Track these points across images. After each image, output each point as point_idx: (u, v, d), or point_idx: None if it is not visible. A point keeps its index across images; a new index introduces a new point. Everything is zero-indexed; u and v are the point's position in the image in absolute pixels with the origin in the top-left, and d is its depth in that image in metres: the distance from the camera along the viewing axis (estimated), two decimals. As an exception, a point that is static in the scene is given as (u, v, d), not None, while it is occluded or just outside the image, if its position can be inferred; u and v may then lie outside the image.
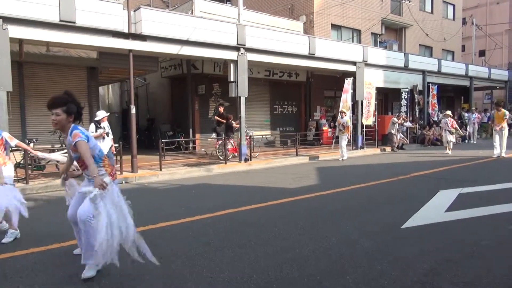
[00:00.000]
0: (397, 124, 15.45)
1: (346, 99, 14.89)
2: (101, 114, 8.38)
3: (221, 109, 13.37)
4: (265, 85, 16.71)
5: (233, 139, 12.37)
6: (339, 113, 13.10)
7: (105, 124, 8.40)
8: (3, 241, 4.43)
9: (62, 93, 3.54)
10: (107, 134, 8.36)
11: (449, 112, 14.66)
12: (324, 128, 17.58)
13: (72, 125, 3.48)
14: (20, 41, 9.02)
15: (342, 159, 12.46)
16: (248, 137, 12.42)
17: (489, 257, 3.84)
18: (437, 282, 3.24)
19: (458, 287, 3.16)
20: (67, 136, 3.50)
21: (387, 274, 3.42)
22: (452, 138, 14.00)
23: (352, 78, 14.88)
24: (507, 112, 12.45)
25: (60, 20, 8.51)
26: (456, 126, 14.61)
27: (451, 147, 13.89)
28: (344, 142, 12.56)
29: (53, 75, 11.40)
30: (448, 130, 13.87)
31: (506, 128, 12.41)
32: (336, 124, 13.31)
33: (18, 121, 10.76)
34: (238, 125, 11.89)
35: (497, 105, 12.88)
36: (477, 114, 19.68)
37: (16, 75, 10.46)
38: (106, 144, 8.29)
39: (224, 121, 13.01)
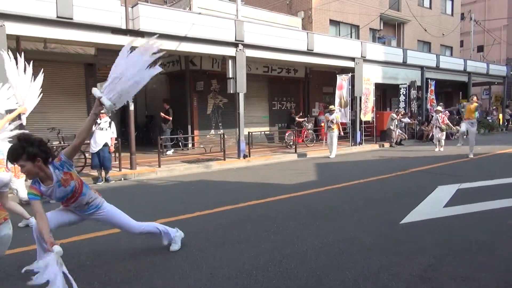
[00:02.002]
0: (396, 120, 15.45)
1: (341, 95, 14.88)
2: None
3: (166, 105, 12.93)
4: (263, 81, 16.70)
5: (296, 131, 13.97)
6: (330, 110, 12.63)
7: (104, 119, 8.41)
8: None
9: (16, 142, 3.12)
10: (102, 128, 8.36)
11: (439, 108, 14.13)
12: (322, 124, 17.53)
13: (50, 165, 3.11)
14: (17, 38, 8.97)
15: (330, 157, 12.09)
16: (307, 130, 14.33)
17: (487, 252, 3.86)
18: (436, 277, 3.25)
19: (457, 282, 3.17)
20: (51, 181, 3.11)
21: (386, 269, 3.44)
22: (443, 136, 13.43)
23: (350, 74, 14.86)
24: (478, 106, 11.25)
25: (58, 17, 8.46)
26: (448, 122, 13.97)
27: (443, 144, 13.38)
28: (335, 139, 12.21)
29: (51, 72, 11.30)
30: (439, 127, 13.38)
31: (475, 124, 11.19)
32: (325, 120, 12.68)
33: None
34: (302, 119, 12.78)
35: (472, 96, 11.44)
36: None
37: (14, 72, 10.41)
38: (102, 138, 8.34)
39: (170, 118, 12.71)
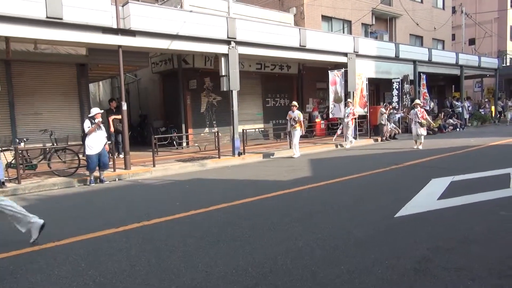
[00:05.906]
0: (385, 114, 15.47)
1: (335, 90, 14.89)
2: (94, 111, 8.58)
3: (113, 104, 11.76)
4: (256, 78, 16.68)
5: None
6: (291, 107, 11.91)
7: (97, 120, 8.38)
8: None
9: None
10: (100, 127, 8.35)
11: (418, 101, 13.54)
12: (316, 120, 17.65)
13: None
14: (7, 39, 8.87)
15: (293, 157, 11.35)
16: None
17: (481, 242, 3.89)
18: (429, 269, 3.28)
19: (451, 273, 3.20)
20: None
21: (381, 262, 3.46)
22: (423, 131, 12.37)
23: (343, 69, 14.89)
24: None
25: (47, 17, 8.37)
26: (427, 117, 12.93)
27: (422, 141, 12.37)
28: (296, 138, 11.59)
29: (42, 73, 11.25)
30: (418, 122, 12.43)
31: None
32: (287, 118, 12.01)
33: (8, 121, 10.62)
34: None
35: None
36: (351, 108, 14.01)
37: (4, 74, 10.32)
38: (102, 138, 8.38)
39: (119, 117, 10.49)
